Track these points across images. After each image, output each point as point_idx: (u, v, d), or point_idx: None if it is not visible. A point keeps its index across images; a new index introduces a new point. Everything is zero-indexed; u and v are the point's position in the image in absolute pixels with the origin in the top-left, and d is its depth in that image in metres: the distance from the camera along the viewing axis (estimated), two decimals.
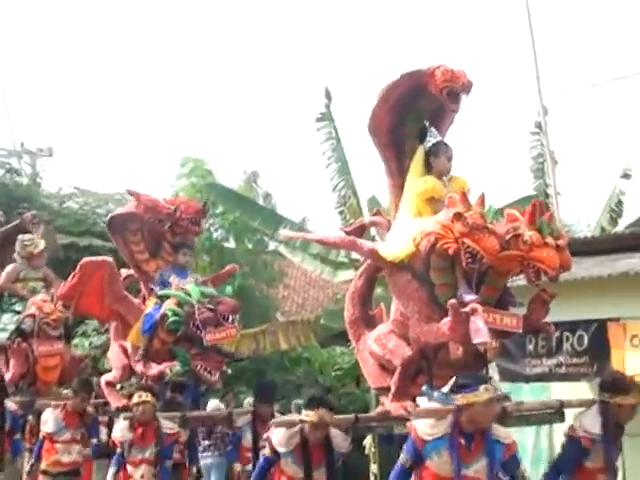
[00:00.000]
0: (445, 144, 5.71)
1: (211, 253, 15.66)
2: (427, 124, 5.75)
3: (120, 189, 17.44)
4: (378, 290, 7.14)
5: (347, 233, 6.13)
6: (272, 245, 16.98)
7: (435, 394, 5.37)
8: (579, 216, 23.18)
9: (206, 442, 11.25)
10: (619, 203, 16.69)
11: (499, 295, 5.25)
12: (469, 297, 5.02)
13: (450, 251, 4.97)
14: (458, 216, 4.94)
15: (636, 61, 29.80)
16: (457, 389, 4.92)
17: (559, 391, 9.41)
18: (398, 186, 5.70)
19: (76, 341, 13.74)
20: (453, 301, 4.97)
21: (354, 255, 16.03)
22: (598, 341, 8.74)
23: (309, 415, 5.74)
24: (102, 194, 19.43)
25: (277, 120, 46.09)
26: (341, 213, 15.78)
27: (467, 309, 4.93)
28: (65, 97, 44.80)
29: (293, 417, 6.38)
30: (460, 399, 4.84)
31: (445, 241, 4.99)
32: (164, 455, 7.00)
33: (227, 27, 48.76)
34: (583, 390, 8.51)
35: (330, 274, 16.07)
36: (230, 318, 7.52)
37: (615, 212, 16.62)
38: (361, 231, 6.10)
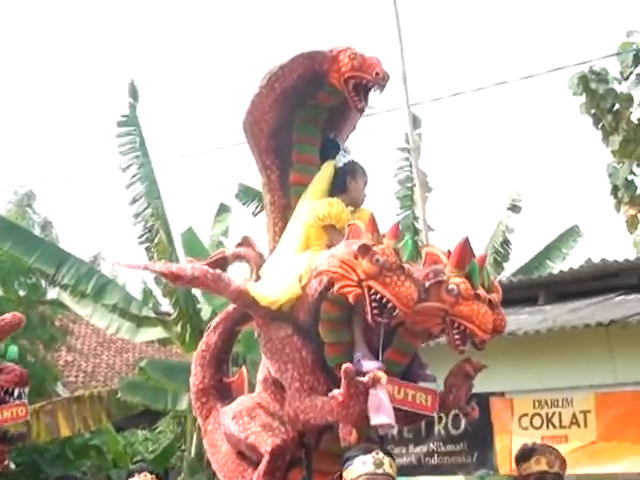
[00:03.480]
0: (362, 168, 5.70)
1: None
2: (334, 135, 5.77)
3: None
4: None
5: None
6: (52, 292, 16.60)
7: None
8: None
9: None
10: (505, 242, 17.25)
11: (408, 363, 5.17)
12: (369, 364, 4.90)
13: (350, 297, 4.79)
14: (364, 250, 4.76)
15: (521, 66, 31.65)
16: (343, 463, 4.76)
17: None
18: (280, 206, 5.66)
19: None
20: (348, 365, 4.83)
21: (165, 307, 15.95)
22: (478, 422, 8.83)
23: None
24: None
25: (61, 124, 45.33)
26: (148, 250, 15.58)
27: (366, 378, 4.79)
28: None
29: None
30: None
31: (344, 283, 4.79)
32: None
33: None
34: None
35: (130, 332, 15.98)
36: (16, 392, 7.53)
37: (500, 254, 17.18)
38: (220, 266, 5.83)
